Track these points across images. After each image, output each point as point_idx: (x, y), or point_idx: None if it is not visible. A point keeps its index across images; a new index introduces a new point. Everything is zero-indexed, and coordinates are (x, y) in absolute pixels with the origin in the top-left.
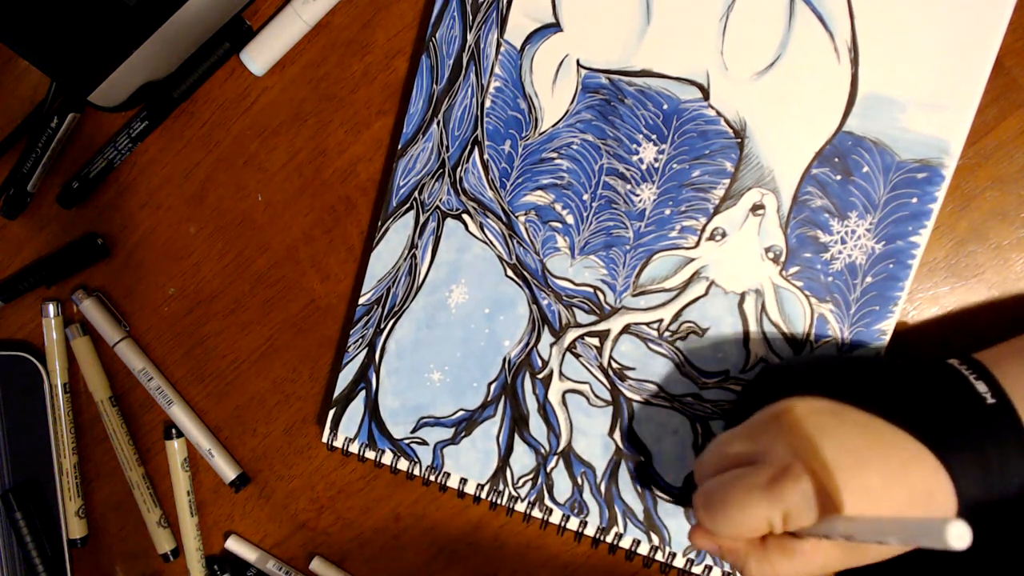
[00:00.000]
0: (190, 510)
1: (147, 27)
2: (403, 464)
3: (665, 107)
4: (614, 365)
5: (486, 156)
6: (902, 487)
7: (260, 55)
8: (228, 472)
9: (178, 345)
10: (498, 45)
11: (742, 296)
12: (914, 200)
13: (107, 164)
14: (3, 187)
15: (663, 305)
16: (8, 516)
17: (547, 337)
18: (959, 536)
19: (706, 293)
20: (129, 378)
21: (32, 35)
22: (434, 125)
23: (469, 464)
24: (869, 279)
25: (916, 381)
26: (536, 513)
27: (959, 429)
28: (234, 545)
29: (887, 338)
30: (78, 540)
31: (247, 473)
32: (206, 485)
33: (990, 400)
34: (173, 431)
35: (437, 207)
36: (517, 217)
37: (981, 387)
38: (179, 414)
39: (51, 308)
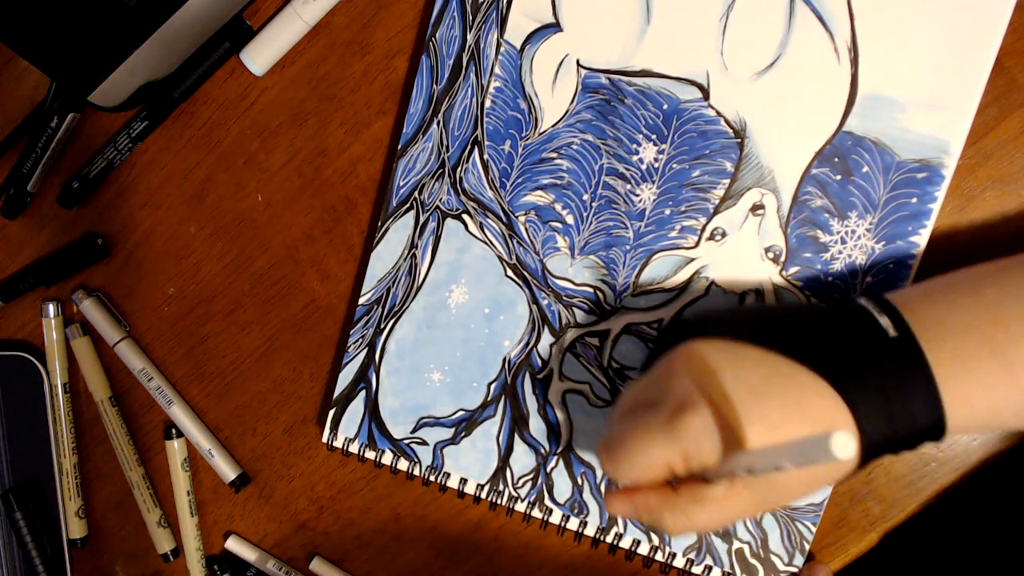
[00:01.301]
0: (190, 510)
1: (147, 27)
2: (403, 464)
3: (665, 107)
4: (614, 365)
5: (486, 156)
6: (801, 419)
7: (260, 55)
8: (228, 472)
9: (178, 345)
10: (498, 45)
11: (742, 296)
12: (914, 200)
13: (107, 164)
14: (3, 187)
15: (663, 305)
16: (8, 516)
17: (547, 337)
18: (843, 446)
19: (706, 293)
20: (129, 378)
21: (32, 35)
22: (434, 125)
23: (469, 464)
24: (869, 279)
25: (820, 319)
26: (536, 513)
27: (858, 361)
28: (234, 545)
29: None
30: (78, 540)
31: (247, 473)
32: (206, 485)
33: (892, 333)
34: (173, 431)
35: (437, 207)
36: (517, 217)
37: (884, 320)
38: (179, 414)
39: (51, 308)
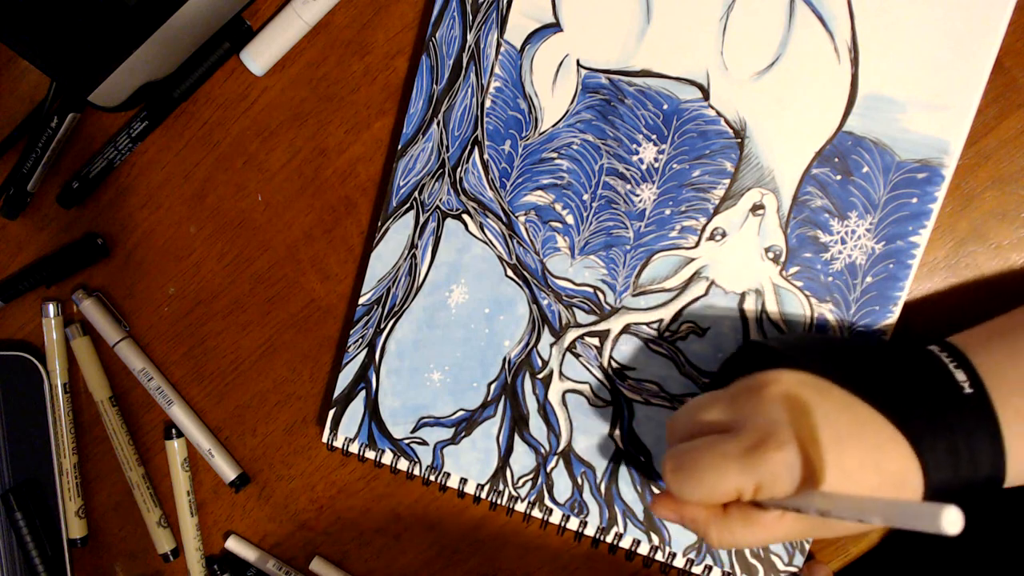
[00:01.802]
0: (190, 510)
1: (147, 27)
2: (403, 464)
3: (665, 107)
4: (614, 365)
5: (486, 156)
6: (875, 470)
7: (260, 55)
8: (228, 472)
9: (178, 345)
10: (498, 45)
11: (742, 296)
12: (914, 200)
13: (107, 164)
14: (3, 187)
15: (663, 305)
16: (8, 516)
17: (547, 337)
18: (953, 522)
19: (706, 293)
20: (129, 378)
21: (32, 35)
22: (434, 125)
23: (469, 464)
24: (869, 279)
25: (897, 365)
26: (536, 513)
27: (935, 417)
28: (234, 545)
29: (887, 338)
30: (78, 540)
31: (247, 473)
32: (206, 485)
33: (967, 390)
34: (173, 431)
35: (437, 207)
36: (517, 217)
37: (960, 376)
38: (179, 414)
39: (51, 308)
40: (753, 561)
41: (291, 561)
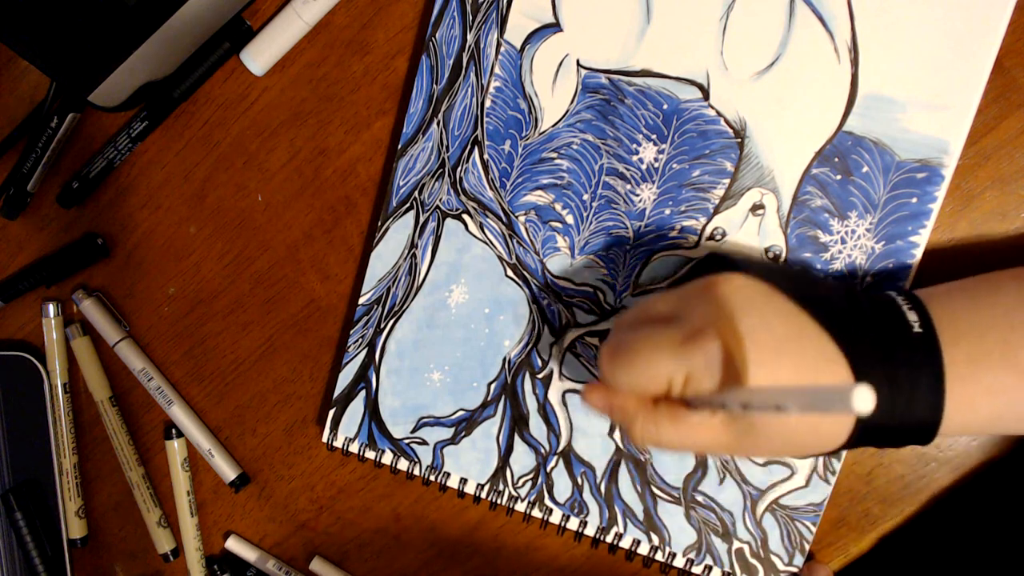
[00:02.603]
0: (190, 510)
1: (147, 27)
2: (403, 464)
3: (665, 107)
4: None
5: (486, 156)
6: (809, 382)
7: (260, 55)
8: (228, 472)
9: (178, 345)
10: (498, 45)
11: None
12: (914, 200)
13: (107, 164)
14: (3, 187)
15: None
16: (8, 516)
17: (547, 337)
18: (864, 399)
19: None
20: (129, 378)
21: (32, 35)
22: (434, 125)
23: (469, 464)
24: (869, 279)
25: (854, 298)
26: (536, 513)
27: (880, 347)
28: (234, 545)
29: None
30: (78, 540)
31: (247, 473)
32: (206, 485)
33: (916, 329)
34: (173, 431)
35: (437, 207)
36: (517, 217)
37: (912, 316)
38: (179, 414)
39: (51, 308)
40: (753, 561)
41: (291, 561)
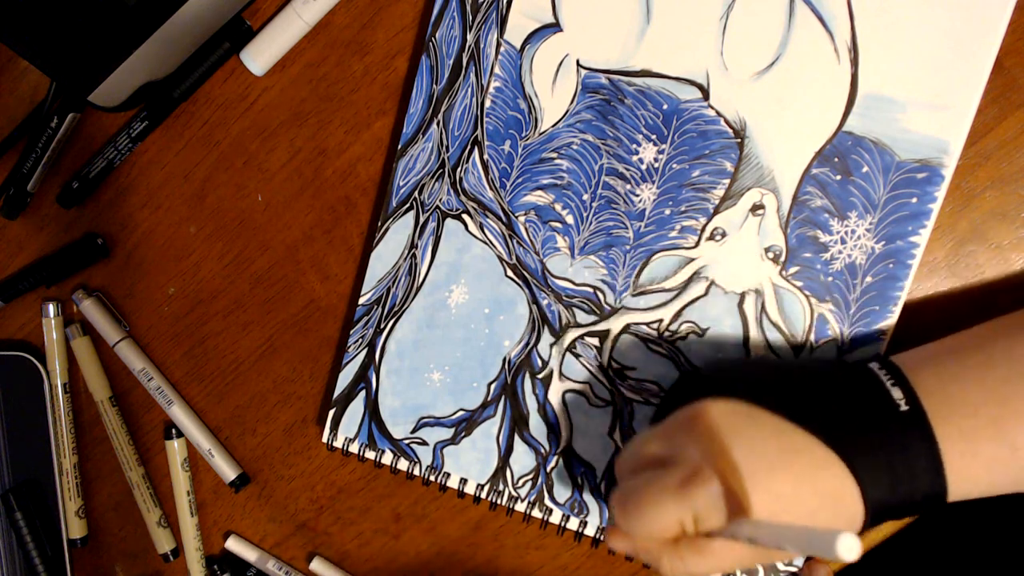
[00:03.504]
0: (190, 510)
1: (147, 27)
2: (403, 464)
3: (665, 107)
4: (614, 365)
5: (486, 156)
6: (811, 492)
7: (260, 55)
8: (228, 472)
9: (178, 345)
10: (498, 45)
11: (742, 296)
12: (914, 200)
13: (107, 164)
14: (3, 187)
15: (663, 305)
16: (8, 516)
17: (547, 337)
18: (848, 548)
19: (706, 293)
20: (129, 378)
21: (32, 35)
22: (434, 125)
23: (469, 464)
24: (869, 279)
25: (832, 385)
26: (536, 513)
27: (869, 435)
28: (234, 545)
29: (887, 338)
30: (78, 540)
31: (247, 473)
32: (206, 485)
33: (903, 407)
34: (173, 431)
35: (437, 207)
36: (517, 217)
37: (896, 393)
38: (179, 414)
39: (51, 308)
40: None
41: (291, 561)
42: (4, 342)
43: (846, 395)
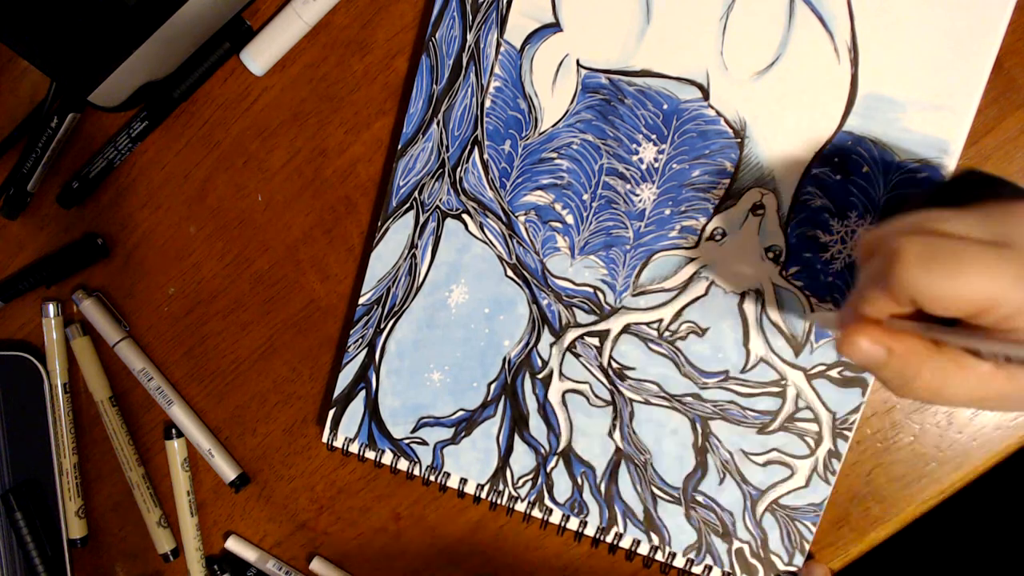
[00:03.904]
0: (190, 510)
1: (147, 27)
2: (403, 464)
3: (665, 107)
4: (614, 365)
5: (486, 156)
6: None
7: (260, 55)
8: (228, 472)
9: (178, 345)
10: (498, 45)
11: (742, 296)
12: None
13: (107, 164)
14: (3, 187)
15: (663, 305)
16: (8, 516)
17: (547, 337)
18: None
19: (706, 293)
20: (129, 378)
21: (32, 35)
22: (434, 125)
23: (469, 464)
24: None
25: None
26: (536, 513)
27: None
28: (234, 545)
29: None
30: (78, 540)
31: (247, 473)
32: (206, 485)
33: None
34: (173, 431)
35: (437, 207)
36: (517, 217)
37: None
38: (179, 414)
39: (51, 308)
40: (753, 561)
41: (291, 561)
42: (4, 342)
43: None
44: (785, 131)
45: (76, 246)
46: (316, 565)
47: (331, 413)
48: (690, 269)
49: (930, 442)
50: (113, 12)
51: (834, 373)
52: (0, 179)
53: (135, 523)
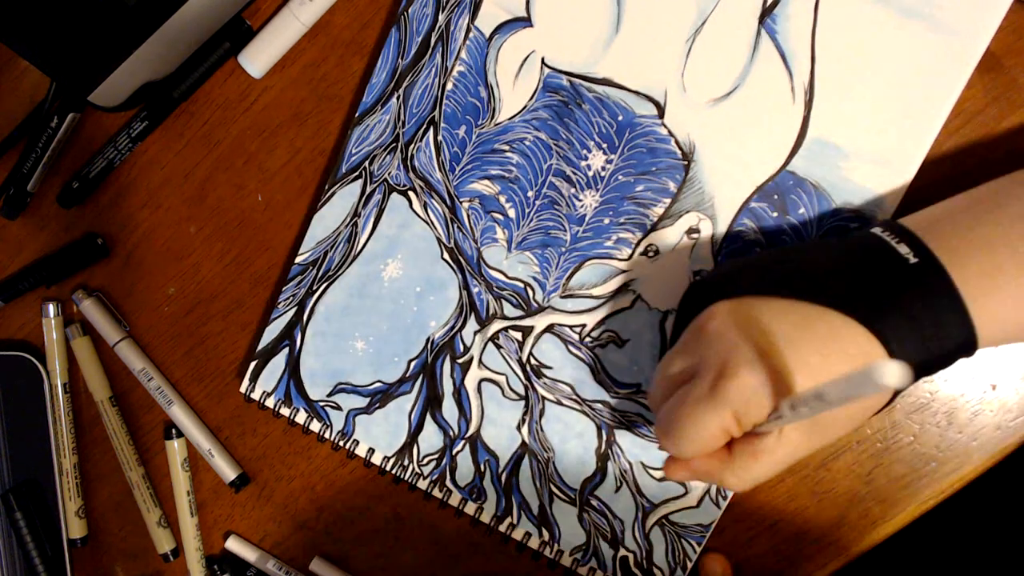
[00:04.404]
0: (190, 510)
1: (147, 27)
2: (315, 426)
3: (620, 118)
4: (532, 362)
5: (440, 138)
6: (839, 358)
7: (258, 57)
8: (228, 472)
9: (178, 345)
10: (468, 30)
11: (665, 314)
12: None
13: (107, 164)
14: (3, 187)
15: (588, 311)
16: (8, 516)
17: (472, 324)
18: (894, 374)
19: (631, 306)
20: (129, 378)
21: (32, 35)
22: (394, 99)
23: (379, 435)
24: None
25: (834, 256)
26: (436, 493)
27: (883, 293)
28: (234, 545)
29: None
30: (78, 540)
31: (247, 473)
32: (206, 485)
33: (912, 260)
34: (173, 431)
35: (385, 180)
36: (461, 203)
37: (903, 249)
38: (179, 414)
39: (51, 308)
40: (635, 571)
41: (291, 561)
42: (4, 342)
43: (850, 262)
44: (731, 160)
45: (76, 246)
46: (316, 565)
47: (253, 364)
48: (619, 280)
49: (930, 442)
50: (113, 12)
51: None
52: (0, 179)
53: (135, 523)
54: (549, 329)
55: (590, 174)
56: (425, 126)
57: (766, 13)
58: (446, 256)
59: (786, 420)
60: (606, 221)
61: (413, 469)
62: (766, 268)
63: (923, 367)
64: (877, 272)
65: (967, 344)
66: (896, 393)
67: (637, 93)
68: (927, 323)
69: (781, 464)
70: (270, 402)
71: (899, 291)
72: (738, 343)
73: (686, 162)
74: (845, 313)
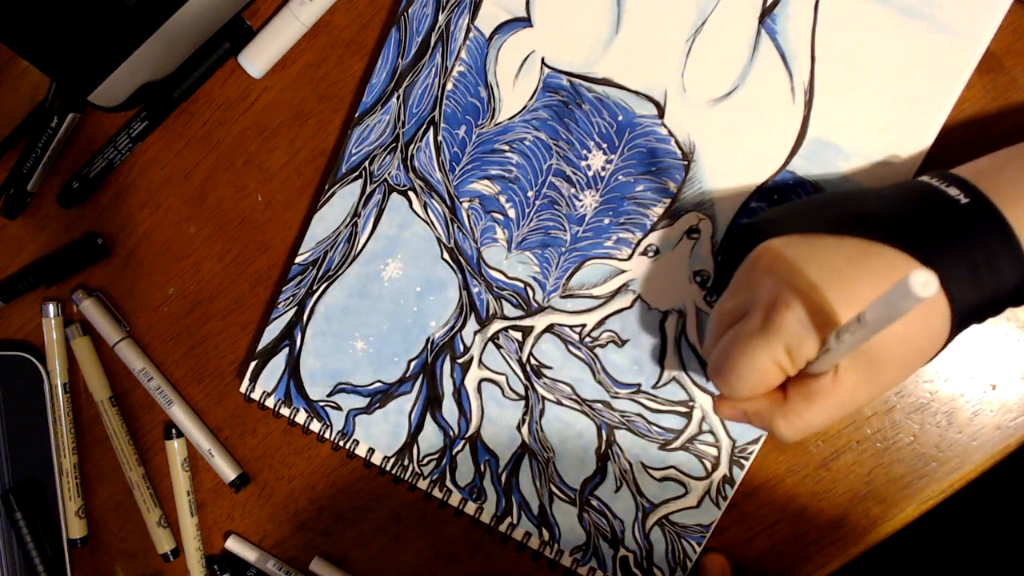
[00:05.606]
0: (190, 510)
1: (147, 27)
2: (315, 426)
3: (620, 118)
4: (532, 362)
5: (440, 138)
6: None
7: (258, 57)
8: (228, 472)
9: (178, 345)
10: (468, 30)
11: (665, 314)
12: None
13: (107, 164)
14: (3, 187)
15: (588, 311)
16: (8, 516)
17: (472, 324)
18: (923, 284)
19: (631, 306)
20: (129, 378)
21: (32, 35)
22: (394, 99)
23: (379, 435)
24: None
25: (886, 196)
26: (436, 493)
27: (936, 232)
28: (234, 545)
29: None
30: (78, 540)
31: (247, 473)
32: (206, 485)
33: (963, 200)
34: (173, 431)
35: (385, 180)
36: (461, 203)
37: (952, 191)
38: (179, 414)
39: (51, 308)
40: (636, 571)
41: (291, 561)
42: (4, 342)
43: (902, 204)
44: (731, 160)
45: (76, 246)
46: (316, 565)
47: (253, 364)
48: (620, 280)
49: (930, 442)
50: (113, 12)
51: None
52: (0, 179)
53: (135, 523)
54: (549, 329)
55: (590, 174)
56: (425, 126)
57: (766, 13)
58: (446, 256)
59: (834, 353)
60: (606, 221)
61: (413, 469)
62: (817, 207)
63: (976, 311)
64: (930, 212)
65: (1021, 285)
66: (949, 339)
67: (637, 93)
68: (982, 263)
69: (836, 409)
70: (270, 402)
71: (952, 230)
72: (791, 277)
73: (686, 162)
74: (901, 249)
